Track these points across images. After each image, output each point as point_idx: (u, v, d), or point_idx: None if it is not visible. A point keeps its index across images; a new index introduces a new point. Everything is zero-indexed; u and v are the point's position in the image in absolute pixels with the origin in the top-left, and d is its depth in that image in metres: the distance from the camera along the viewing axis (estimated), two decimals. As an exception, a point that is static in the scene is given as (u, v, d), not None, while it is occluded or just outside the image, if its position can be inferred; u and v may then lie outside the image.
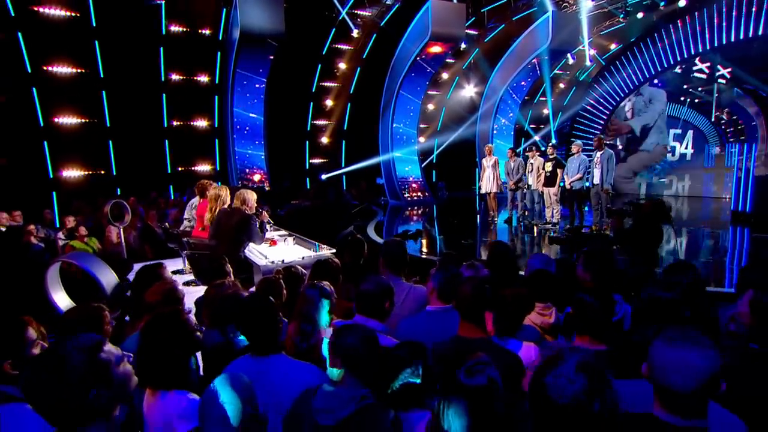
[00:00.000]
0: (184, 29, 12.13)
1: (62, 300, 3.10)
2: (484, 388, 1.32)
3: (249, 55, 11.82)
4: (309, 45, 14.03)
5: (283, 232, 5.57)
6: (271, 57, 12.08)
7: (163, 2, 10.93)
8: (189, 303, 2.83)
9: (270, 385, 1.82)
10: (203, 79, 12.87)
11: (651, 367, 1.34)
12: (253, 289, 3.25)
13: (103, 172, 11.74)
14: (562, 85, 18.27)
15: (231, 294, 2.39)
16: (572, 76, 18.12)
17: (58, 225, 9.30)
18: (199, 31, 12.38)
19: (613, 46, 16.63)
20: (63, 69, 10.94)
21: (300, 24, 12.79)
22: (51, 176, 11.16)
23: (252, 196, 4.76)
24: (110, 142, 11.76)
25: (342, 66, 15.03)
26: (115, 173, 11.86)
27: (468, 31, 15.26)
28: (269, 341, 1.91)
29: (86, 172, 11.51)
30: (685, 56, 14.59)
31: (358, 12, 14.23)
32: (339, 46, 14.83)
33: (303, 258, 4.31)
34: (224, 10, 12.23)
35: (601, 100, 16.41)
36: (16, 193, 9.83)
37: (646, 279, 3.00)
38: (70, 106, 11.12)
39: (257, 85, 12.64)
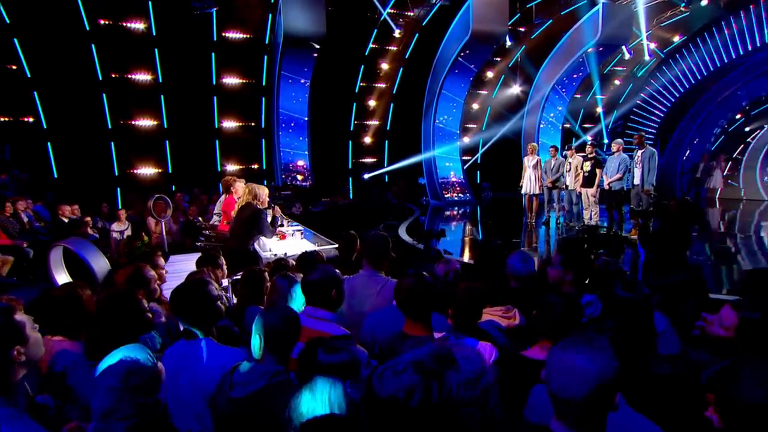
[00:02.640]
0: (234, 35, 12.77)
1: (63, 280, 3.40)
2: (346, 364, 1.28)
3: (293, 58, 12.21)
4: (351, 46, 14.23)
5: (299, 227, 5.71)
6: (314, 58, 12.38)
7: (215, 10, 11.56)
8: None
9: (195, 368, 1.87)
10: (251, 81, 13.46)
11: (547, 374, 1.25)
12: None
13: (161, 170, 12.64)
14: (617, 82, 17.12)
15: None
16: (629, 71, 16.94)
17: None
18: (247, 36, 12.98)
19: (676, 39, 15.36)
20: (131, 76, 11.93)
21: (342, 26, 13.03)
22: (116, 174, 12.20)
23: (263, 191, 4.89)
24: (167, 142, 12.63)
25: (384, 66, 15.10)
26: (171, 171, 12.71)
27: (514, 28, 14.81)
28: (199, 326, 1.96)
29: (146, 170, 12.45)
30: (758, 45, 13.06)
31: (400, 12, 14.24)
32: (381, 47, 14.91)
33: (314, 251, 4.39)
34: (270, 15, 12.72)
35: (658, 96, 15.17)
36: (86, 188, 10.86)
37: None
38: (134, 109, 12.11)
39: (301, 87, 13.00)
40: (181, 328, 2.33)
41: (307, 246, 4.57)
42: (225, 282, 3.24)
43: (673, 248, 4.83)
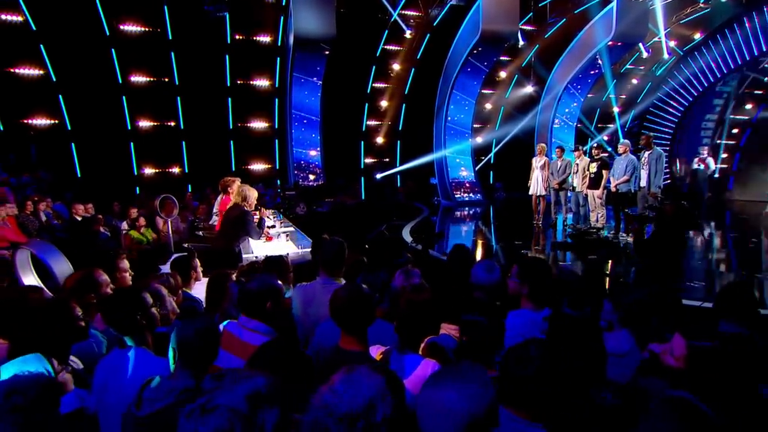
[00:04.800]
0: (247, 37, 12.89)
1: (30, 281, 3.47)
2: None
3: (304, 59, 12.25)
4: (362, 47, 14.19)
5: (290, 228, 5.70)
6: (326, 60, 12.39)
7: (227, 14, 11.69)
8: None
9: (122, 379, 1.83)
10: (264, 83, 13.57)
11: (417, 412, 1.14)
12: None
13: (177, 170, 12.89)
14: (635, 81, 16.51)
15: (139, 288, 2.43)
16: (647, 70, 16.31)
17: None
18: (260, 38, 13.08)
19: (697, 36, 14.70)
20: (146, 78, 12.19)
21: (354, 27, 13.03)
22: (135, 173, 12.51)
23: (253, 194, 4.90)
24: (183, 143, 12.86)
25: (396, 67, 14.98)
26: (187, 171, 12.95)
27: (527, 28, 14.47)
28: (130, 334, 1.92)
29: (163, 170, 12.72)
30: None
31: (411, 13, 14.09)
32: (392, 48, 14.80)
33: (288, 254, 4.37)
34: (282, 17, 12.78)
35: (675, 95, 14.54)
36: (107, 187, 11.15)
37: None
38: (151, 111, 12.37)
39: (313, 87, 13.02)
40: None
41: (291, 249, 4.55)
42: (197, 285, 3.22)
43: (668, 254, 4.63)
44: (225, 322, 2.27)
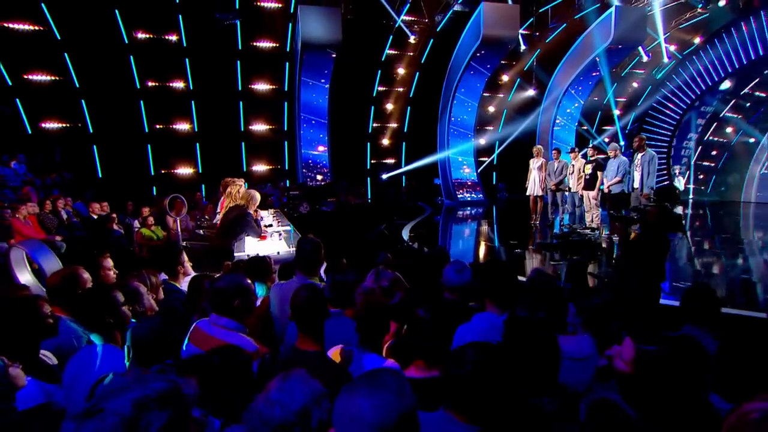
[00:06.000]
0: (257, 44, 12.95)
1: (26, 278, 3.52)
2: None
3: (311, 64, 12.27)
4: (368, 52, 14.15)
5: (287, 228, 5.70)
6: (333, 64, 12.39)
7: (239, 21, 11.75)
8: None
9: (89, 375, 1.79)
10: (274, 87, 13.62)
11: (334, 419, 1.07)
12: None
13: (191, 170, 13.02)
14: (635, 84, 16.18)
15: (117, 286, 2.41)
16: (648, 74, 15.98)
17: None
18: (270, 44, 13.13)
19: (697, 40, 14.34)
20: (164, 84, 12.34)
21: (360, 33, 13.01)
22: (152, 173, 12.67)
23: (256, 196, 4.95)
24: (197, 145, 12.98)
25: (401, 71, 14.92)
26: (201, 171, 13.07)
27: (528, 33, 14.29)
28: (98, 331, 1.92)
29: (179, 171, 12.86)
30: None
31: (415, 19, 14.01)
32: (397, 52, 14.74)
33: (278, 253, 4.37)
34: (290, 24, 12.81)
35: (673, 98, 14.21)
36: (126, 187, 11.31)
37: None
38: (166, 114, 12.52)
39: (321, 91, 13.03)
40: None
41: (283, 248, 4.55)
42: (186, 280, 3.21)
43: (650, 255, 4.50)
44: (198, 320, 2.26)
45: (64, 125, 11.55)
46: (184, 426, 0.94)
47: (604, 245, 7.13)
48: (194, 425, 1.00)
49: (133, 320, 2.20)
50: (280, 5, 12.78)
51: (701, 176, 13.95)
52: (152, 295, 2.58)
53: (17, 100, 10.85)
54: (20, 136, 10.80)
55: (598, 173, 8.35)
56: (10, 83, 10.67)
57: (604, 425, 1.13)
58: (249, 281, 2.24)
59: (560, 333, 2.09)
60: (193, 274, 3.32)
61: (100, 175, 11.96)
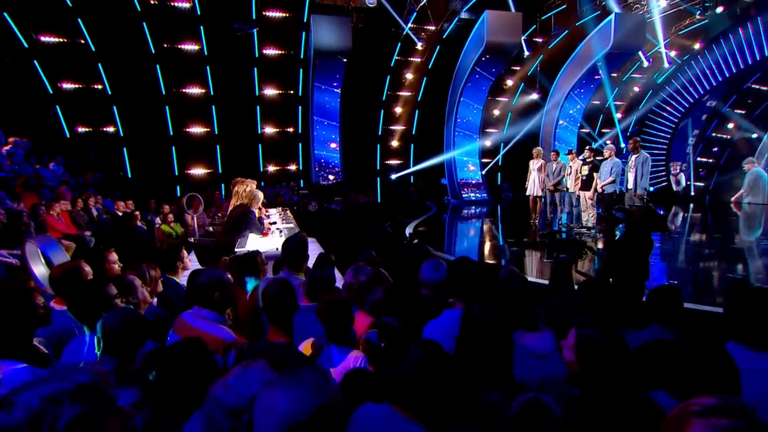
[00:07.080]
0: (273, 51, 13.19)
1: (40, 270, 3.69)
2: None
3: (323, 70, 12.46)
4: (377, 58, 14.28)
5: (290, 225, 5.85)
6: (344, 70, 12.55)
7: (255, 31, 11.99)
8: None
9: (78, 361, 1.82)
10: (289, 92, 13.84)
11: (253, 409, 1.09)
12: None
13: (211, 171, 13.33)
14: (636, 89, 15.90)
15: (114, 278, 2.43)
16: (648, 79, 15.69)
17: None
18: (284, 52, 13.36)
19: (696, 46, 14.03)
20: (187, 90, 12.68)
21: (369, 40, 13.14)
22: (176, 174, 13.02)
23: (260, 196, 5.09)
24: (217, 146, 13.29)
25: (409, 76, 15.00)
26: (220, 171, 13.37)
27: (532, 39, 14.20)
28: (87, 322, 1.93)
29: (200, 171, 13.19)
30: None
31: (422, 27, 14.06)
32: (405, 59, 14.83)
33: (276, 249, 4.42)
34: (303, 32, 13.01)
35: (672, 102, 13.93)
36: (152, 186, 11.68)
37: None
38: (190, 119, 12.85)
39: (333, 95, 13.23)
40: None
41: (278, 243, 4.63)
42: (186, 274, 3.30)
43: (634, 254, 4.52)
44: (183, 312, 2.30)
45: (97, 129, 11.99)
46: (100, 419, 0.91)
47: (599, 245, 7.10)
48: (116, 418, 0.99)
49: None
50: (293, 15, 12.99)
51: (702, 172, 13.58)
52: (149, 288, 2.58)
53: (57, 106, 11.32)
54: (59, 139, 11.28)
55: (594, 174, 8.32)
56: (51, 91, 11.15)
57: (527, 422, 1.15)
58: (229, 276, 2.29)
59: (529, 330, 2.06)
60: (192, 268, 3.44)
61: (130, 175, 12.36)
